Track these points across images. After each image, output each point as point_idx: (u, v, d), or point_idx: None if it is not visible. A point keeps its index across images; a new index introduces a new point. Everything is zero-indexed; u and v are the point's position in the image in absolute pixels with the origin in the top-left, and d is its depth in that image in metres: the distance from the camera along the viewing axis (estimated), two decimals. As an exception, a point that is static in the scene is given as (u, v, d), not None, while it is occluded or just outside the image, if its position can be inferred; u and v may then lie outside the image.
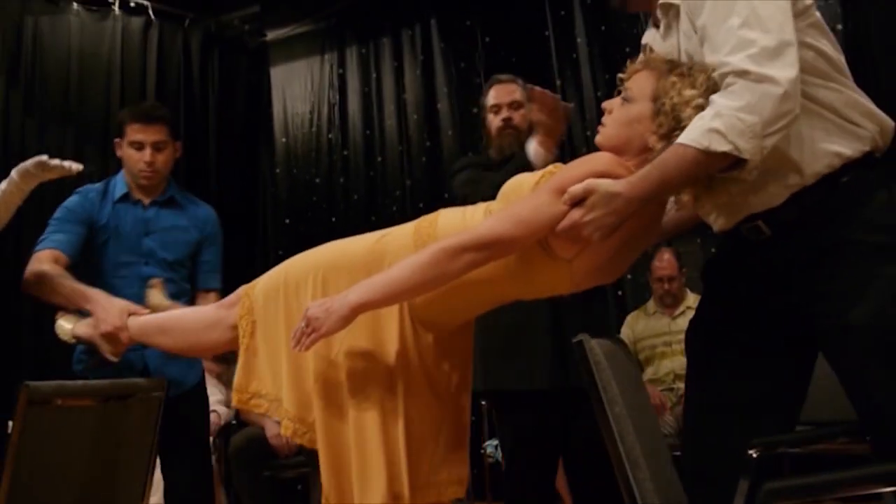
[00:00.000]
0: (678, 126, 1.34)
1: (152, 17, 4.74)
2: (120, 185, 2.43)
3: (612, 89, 5.30)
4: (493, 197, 1.60)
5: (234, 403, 1.71)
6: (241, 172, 5.12)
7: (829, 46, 1.40)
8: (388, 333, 1.55)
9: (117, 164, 4.99)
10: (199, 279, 2.48)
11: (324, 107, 4.98)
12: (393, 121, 4.77)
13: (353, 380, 1.53)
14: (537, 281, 1.51)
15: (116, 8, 4.61)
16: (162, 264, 2.40)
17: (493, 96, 2.56)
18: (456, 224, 1.54)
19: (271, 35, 5.14)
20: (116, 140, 2.44)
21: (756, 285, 1.43)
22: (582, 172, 1.39)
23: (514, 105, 2.53)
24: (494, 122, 2.53)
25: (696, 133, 1.28)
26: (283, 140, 5.08)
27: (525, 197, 1.47)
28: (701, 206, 1.49)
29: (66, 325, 2.04)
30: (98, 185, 2.44)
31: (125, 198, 2.41)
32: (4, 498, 1.71)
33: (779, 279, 1.40)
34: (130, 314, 1.92)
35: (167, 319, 1.89)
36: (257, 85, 5.21)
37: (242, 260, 4.86)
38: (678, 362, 3.31)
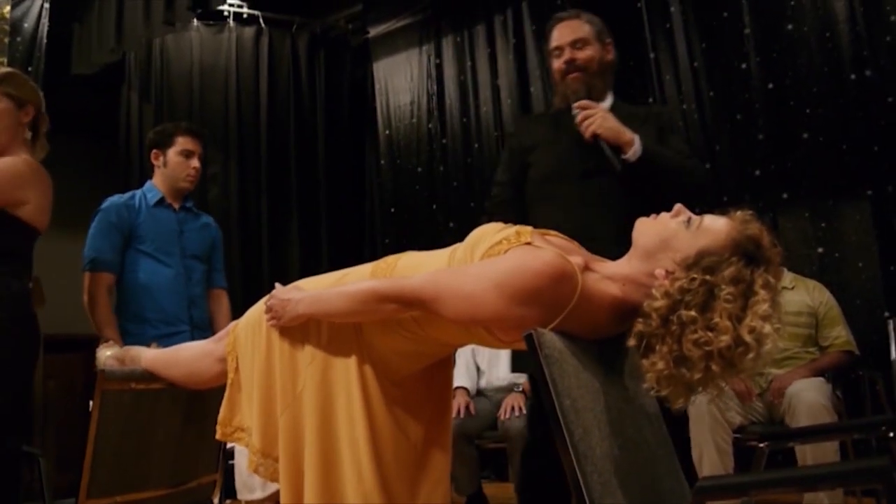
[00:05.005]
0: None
1: (263, 25, 5.06)
2: (152, 192, 2.82)
3: (708, 59, 5.00)
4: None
5: (217, 436, 1.69)
6: (348, 165, 5.33)
7: None
8: (350, 374, 1.51)
9: (238, 164, 5.37)
10: (212, 278, 2.92)
11: (423, 97, 5.07)
12: (489, 107, 4.78)
13: (316, 416, 1.50)
14: (478, 340, 1.44)
15: (231, 20, 4.98)
16: (195, 257, 2.84)
17: (554, 37, 2.22)
18: (416, 267, 1.47)
19: (373, 31, 5.29)
20: (155, 151, 2.82)
21: None
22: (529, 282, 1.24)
23: (578, 43, 2.17)
24: (556, 65, 2.22)
25: None
26: (387, 132, 5.22)
27: (474, 266, 1.34)
28: None
29: (101, 355, 2.30)
30: (125, 197, 2.81)
31: (160, 202, 2.81)
32: (88, 470, 1.98)
33: None
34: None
35: (171, 353, 2.02)
36: (361, 81, 5.38)
37: (353, 249, 5.11)
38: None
